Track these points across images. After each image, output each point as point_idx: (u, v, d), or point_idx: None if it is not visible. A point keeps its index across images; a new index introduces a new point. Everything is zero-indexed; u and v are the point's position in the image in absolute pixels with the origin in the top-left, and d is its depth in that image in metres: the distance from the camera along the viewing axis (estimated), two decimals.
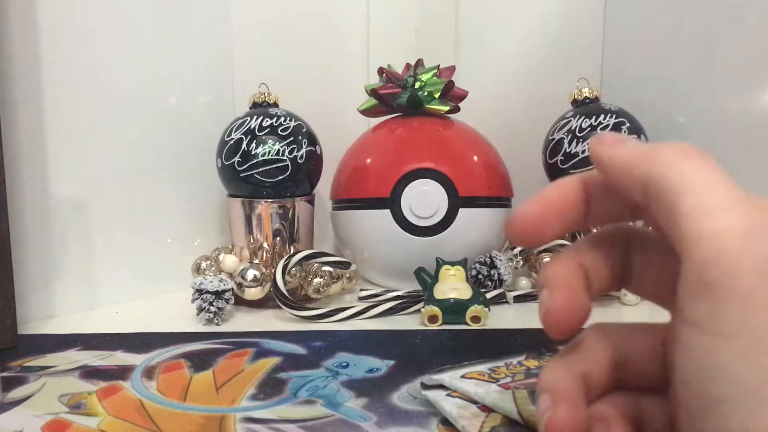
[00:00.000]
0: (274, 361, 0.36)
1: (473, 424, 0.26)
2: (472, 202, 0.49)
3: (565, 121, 0.50)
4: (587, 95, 0.52)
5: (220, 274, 0.47)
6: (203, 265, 0.49)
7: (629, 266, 0.22)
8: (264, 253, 0.48)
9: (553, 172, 0.51)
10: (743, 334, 0.16)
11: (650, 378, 0.21)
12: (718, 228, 0.17)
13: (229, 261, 0.48)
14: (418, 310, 0.44)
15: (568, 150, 0.49)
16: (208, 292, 0.42)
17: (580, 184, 0.22)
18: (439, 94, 0.52)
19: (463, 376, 0.30)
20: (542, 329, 0.21)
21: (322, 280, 0.47)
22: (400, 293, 0.47)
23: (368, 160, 0.52)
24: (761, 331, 0.16)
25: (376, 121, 0.56)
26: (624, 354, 0.22)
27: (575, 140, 0.49)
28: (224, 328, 0.42)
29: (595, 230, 0.24)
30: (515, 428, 0.26)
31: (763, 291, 0.16)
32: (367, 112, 0.55)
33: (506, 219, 0.22)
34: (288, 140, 0.47)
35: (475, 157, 0.52)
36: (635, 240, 0.22)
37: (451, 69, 0.54)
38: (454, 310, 0.42)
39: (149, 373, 0.34)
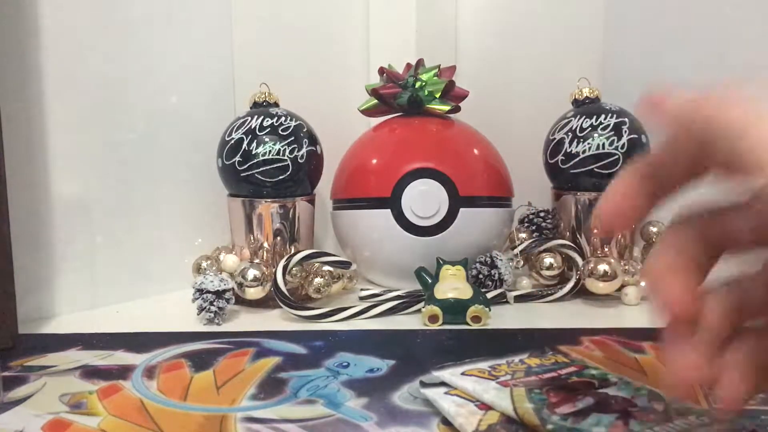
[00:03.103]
0: (274, 360, 0.36)
1: (470, 421, 0.26)
2: (473, 201, 0.49)
3: (566, 121, 0.50)
4: (587, 95, 0.52)
5: (220, 273, 0.47)
6: (204, 264, 0.49)
7: None
8: (264, 252, 0.48)
9: (554, 172, 0.51)
10: None
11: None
12: None
13: (230, 261, 0.48)
14: (419, 310, 0.44)
15: (568, 150, 0.49)
16: (208, 291, 0.42)
17: (638, 170, 0.22)
18: (439, 93, 0.52)
19: (463, 373, 0.30)
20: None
21: (322, 279, 0.47)
22: (400, 293, 0.47)
23: (369, 160, 0.52)
24: None
25: (376, 121, 0.56)
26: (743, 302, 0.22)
27: (576, 140, 0.49)
28: (225, 327, 0.43)
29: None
30: (512, 426, 0.26)
31: None
32: (367, 112, 0.55)
33: (596, 211, 0.22)
34: (288, 140, 0.47)
35: (476, 157, 0.52)
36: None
37: (452, 69, 0.54)
38: (455, 309, 0.42)
39: (150, 372, 0.34)
